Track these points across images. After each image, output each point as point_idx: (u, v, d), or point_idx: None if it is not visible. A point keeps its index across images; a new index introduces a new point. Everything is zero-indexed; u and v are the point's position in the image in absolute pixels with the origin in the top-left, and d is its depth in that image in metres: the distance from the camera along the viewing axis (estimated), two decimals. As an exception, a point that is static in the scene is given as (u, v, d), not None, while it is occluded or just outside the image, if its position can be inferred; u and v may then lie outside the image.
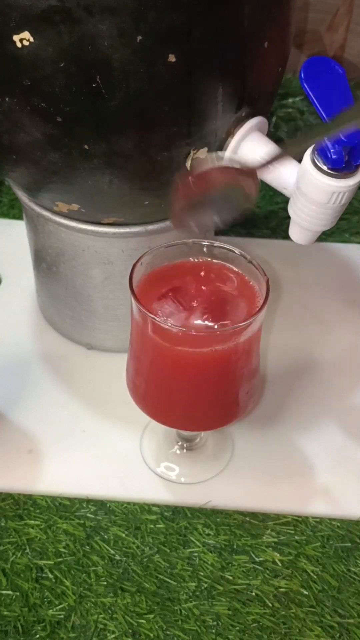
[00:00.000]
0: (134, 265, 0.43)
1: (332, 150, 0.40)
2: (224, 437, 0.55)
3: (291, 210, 0.45)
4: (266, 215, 0.77)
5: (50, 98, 0.41)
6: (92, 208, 0.49)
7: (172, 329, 0.41)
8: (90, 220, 0.51)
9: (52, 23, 0.38)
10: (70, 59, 0.39)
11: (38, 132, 0.43)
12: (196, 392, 0.45)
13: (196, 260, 0.46)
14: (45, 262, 0.57)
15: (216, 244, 0.46)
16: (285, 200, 0.45)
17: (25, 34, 0.38)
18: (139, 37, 0.38)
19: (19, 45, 0.39)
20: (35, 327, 0.63)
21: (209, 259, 0.46)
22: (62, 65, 0.39)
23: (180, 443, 0.54)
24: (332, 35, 0.84)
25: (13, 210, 0.75)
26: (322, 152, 0.40)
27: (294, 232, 0.46)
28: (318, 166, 0.41)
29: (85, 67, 0.39)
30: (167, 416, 0.48)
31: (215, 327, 0.43)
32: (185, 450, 0.54)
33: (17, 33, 0.39)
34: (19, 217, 0.74)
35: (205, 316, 0.43)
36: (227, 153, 0.47)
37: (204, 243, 0.46)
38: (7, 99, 0.42)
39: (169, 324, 0.41)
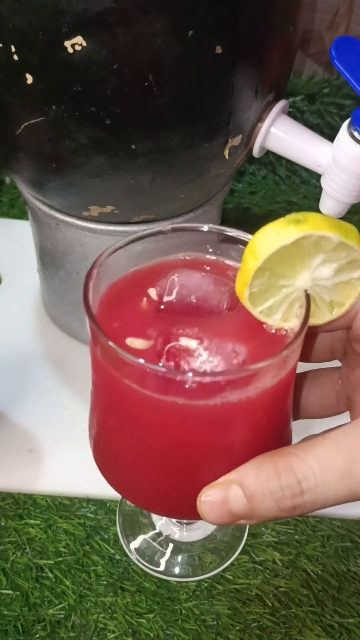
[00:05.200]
0: (88, 275, 0.30)
1: None
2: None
3: (325, 184, 0.47)
4: (266, 215, 0.76)
5: (100, 101, 0.40)
6: (128, 208, 0.49)
7: (156, 370, 0.27)
8: (119, 221, 0.51)
9: (107, 25, 0.37)
10: (124, 59, 0.39)
11: (85, 137, 0.42)
12: (190, 468, 0.30)
13: (185, 258, 0.33)
14: (65, 269, 0.56)
15: (213, 228, 0.33)
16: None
17: (78, 39, 0.38)
18: (191, 32, 0.39)
19: (70, 50, 0.38)
20: (36, 327, 0.63)
21: (204, 255, 0.33)
22: (115, 67, 0.39)
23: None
24: (332, 34, 0.84)
25: (13, 210, 0.75)
26: (359, 125, 0.44)
27: (326, 205, 0.48)
28: (355, 138, 0.44)
29: (139, 66, 0.39)
30: (147, 499, 0.34)
31: (221, 365, 0.28)
32: None
33: (69, 38, 0.38)
34: (19, 217, 0.74)
35: (205, 348, 0.28)
36: (259, 138, 0.48)
37: (195, 229, 0.33)
38: (54, 107, 0.41)
39: (152, 365, 0.27)
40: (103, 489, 0.51)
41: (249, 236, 0.29)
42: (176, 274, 0.31)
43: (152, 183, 0.46)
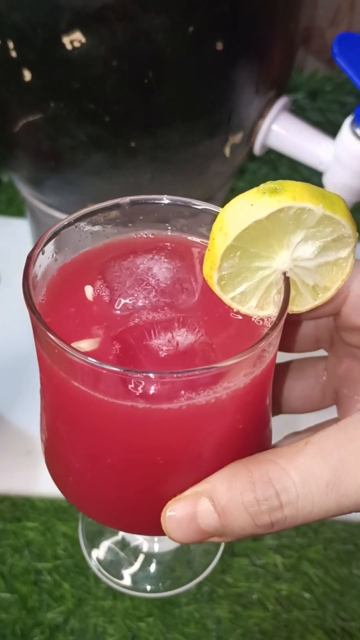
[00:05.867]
0: (29, 257, 0.27)
1: None
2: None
3: (327, 182, 0.48)
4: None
5: (99, 98, 0.40)
6: None
7: (111, 370, 0.23)
8: None
9: (106, 21, 0.37)
10: (124, 56, 0.38)
11: (83, 135, 0.42)
12: (153, 479, 0.26)
13: (146, 236, 0.28)
14: None
15: (178, 201, 0.28)
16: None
17: (77, 35, 0.38)
18: (191, 28, 0.38)
19: (69, 47, 0.38)
20: (34, 326, 0.63)
21: (166, 233, 0.29)
22: (114, 63, 0.39)
23: None
24: (334, 31, 0.83)
25: (11, 208, 0.75)
26: None
27: None
28: (358, 135, 0.44)
29: (138, 63, 0.39)
30: (105, 513, 0.30)
31: (186, 362, 0.25)
32: None
33: (68, 34, 0.38)
34: (17, 215, 0.74)
35: (167, 342, 0.25)
36: (260, 135, 0.48)
37: (156, 202, 0.27)
38: (52, 105, 0.41)
39: (105, 364, 0.23)
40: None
41: (219, 209, 0.24)
42: (127, 259, 0.27)
43: (151, 181, 0.45)
